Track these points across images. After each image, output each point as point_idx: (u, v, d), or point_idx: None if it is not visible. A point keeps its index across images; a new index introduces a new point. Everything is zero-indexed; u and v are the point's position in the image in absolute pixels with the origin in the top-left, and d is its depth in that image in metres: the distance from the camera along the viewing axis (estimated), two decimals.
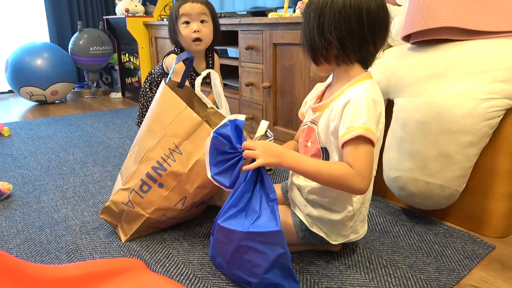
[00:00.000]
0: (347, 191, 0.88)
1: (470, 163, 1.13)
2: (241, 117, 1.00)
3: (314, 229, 1.00)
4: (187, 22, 1.44)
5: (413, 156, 1.17)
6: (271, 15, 1.95)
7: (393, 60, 1.28)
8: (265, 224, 0.86)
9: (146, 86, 1.68)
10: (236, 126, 0.98)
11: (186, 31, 1.44)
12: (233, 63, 2.25)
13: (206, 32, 1.46)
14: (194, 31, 1.44)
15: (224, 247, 0.94)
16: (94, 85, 3.70)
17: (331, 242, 1.00)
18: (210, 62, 1.58)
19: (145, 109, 1.67)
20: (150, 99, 1.65)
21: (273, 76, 1.95)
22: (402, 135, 1.20)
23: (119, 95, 3.62)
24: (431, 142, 1.13)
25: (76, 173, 1.73)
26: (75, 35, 3.46)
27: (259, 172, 0.93)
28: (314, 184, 0.95)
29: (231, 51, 2.34)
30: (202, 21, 1.45)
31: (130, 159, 1.20)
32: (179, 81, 1.28)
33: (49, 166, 1.82)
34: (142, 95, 1.70)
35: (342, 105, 0.84)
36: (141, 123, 1.63)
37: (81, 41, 3.42)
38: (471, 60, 1.11)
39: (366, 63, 0.92)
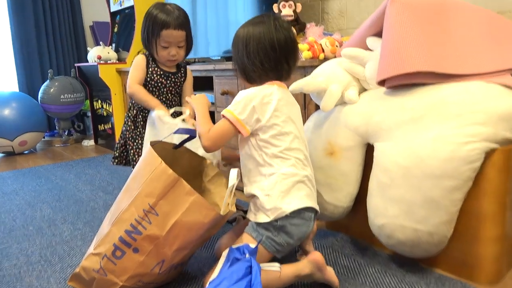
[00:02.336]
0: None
1: (456, 208, 1.10)
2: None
3: (251, 217, 1.13)
4: (165, 47, 1.44)
5: (399, 202, 1.14)
6: None
7: (370, 104, 1.27)
8: None
9: (129, 119, 1.57)
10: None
11: (163, 53, 1.46)
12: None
13: (182, 54, 1.50)
14: (171, 55, 1.46)
15: None
16: (65, 133, 3.59)
17: (266, 217, 1.08)
18: (182, 70, 1.58)
19: (123, 147, 1.58)
20: (134, 134, 1.55)
21: None
22: (385, 181, 1.17)
23: (91, 142, 3.52)
24: (416, 187, 1.11)
25: (43, 233, 1.61)
26: (45, 83, 3.39)
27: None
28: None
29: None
30: (179, 46, 1.47)
31: (106, 218, 1.12)
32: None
33: (14, 226, 1.69)
34: (123, 131, 1.59)
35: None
36: (115, 161, 1.56)
37: (52, 89, 3.34)
38: (447, 103, 1.12)
39: (281, 76, 1.17)
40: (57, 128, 3.57)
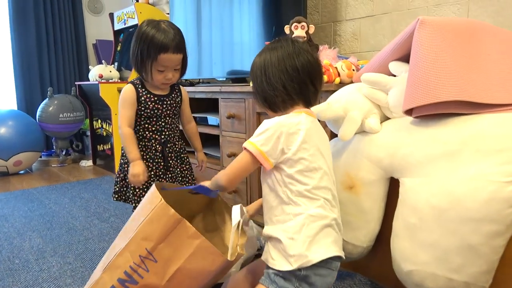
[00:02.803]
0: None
1: (497, 256, 0.97)
2: None
3: (269, 262, 0.97)
4: (161, 71, 1.32)
5: (431, 247, 1.00)
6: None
7: (395, 134, 1.15)
8: None
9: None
10: None
11: (159, 77, 1.33)
12: (214, 131, 2.10)
13: (177, 76, 1.38)
14: (167, 79, 1.34)
15: None
16: (63, 153, 3.47)
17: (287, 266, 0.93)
18: (176, 89, 1.46)
19: (123, 182, 1.42)
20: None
21: None
22: (414, 222, 1.04)
23: (89, 163, 3.39)
24: (451, 231, 0.97)
25: (29, 267, 1.46)
26: (44, 102, 3.29)
27: None
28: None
29: (211, 119, 2.21)
30: (175, 69, 1.36)
31: (101, 261, 0.98)
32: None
33: None
34: (122, 164, 1.45)
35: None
36: (115, 196, 1.42)
37: (51, 108, 3.24)
38: (485, 137, 0.99)
39: (308, 100, 1.06)
40: (54, 147, 3.46)
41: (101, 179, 2.86)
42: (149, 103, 1.36)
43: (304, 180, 0.98)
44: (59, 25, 3.63)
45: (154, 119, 1.39)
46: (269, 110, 1.09)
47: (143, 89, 1.37)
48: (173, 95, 1.43)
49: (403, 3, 1.75)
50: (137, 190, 1.37)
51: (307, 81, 1.03)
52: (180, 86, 1.50)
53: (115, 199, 1.41)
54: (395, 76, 1.25)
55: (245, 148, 0.99)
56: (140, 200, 1.37)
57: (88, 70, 3.70)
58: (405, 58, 1.25)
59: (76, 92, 3.38)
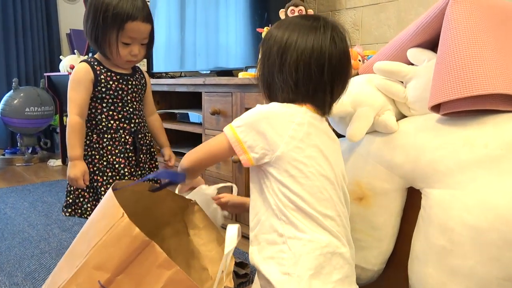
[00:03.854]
0: None
1: None
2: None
3: None
4: (127, 44, 1.10)
5: (464, 277, 0.80)
6: (242, 75, 1.63)
7: (417, 136, 0.94)
8: None
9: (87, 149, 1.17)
10: None
11: (124, 52, 1.11)
12: (195, 129, 1.87)
13: (143, 53, 1.16)
14: (133, 55, 1.12)
15: None
16: (29, 151, 3.16)
17: None
18: (138, 70, 1.24)
19: (78, 191, 1.16)
20: (97, 170, 1.16)
21: None
22: (444, 244, 0.84)
23: (58, 162, 3.10)
24: (492, 257, 0.77)
25: None
26: (8, 94, 2.99)
27: None
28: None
29: (194, 116, 1.98)
30: (142, 44, 1.14)
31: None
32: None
33: None
34: None
35: None
36: (68, 211, 1.16)
37: (16, 101, 2.94)
38: None
39: (318, 107, 0.84)
40: (19, 144, 3.14)
41: None
42: (110, 82, 1.13)
43: (298, 189, 0.76)
44: (29, 11, 3.31)
45: (120, 104, 1.15)
46: (267, 98, 0.89)
47: (101, 67, 1.13)
48: (136, 75, 1.21)
49: None
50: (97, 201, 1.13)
51: (326, 87, 0.82)
52: (142, 69, 1.27)
53: (67, 214, 1.14)
54: (414, 65, 1.06)
55: (223, 132, 0.82)
56: None
57: (59, 61, 3.41)
58: (426, 45, 1.05)
59: (45, 84, 3.08)
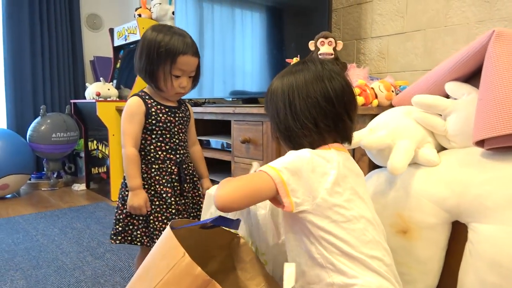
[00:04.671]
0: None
1: None
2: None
3: None
4: (178, 76, 1.16)
5: None
6: None
7: (462, 170, 0.95)
8: None
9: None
10: None
11: (174, 84, 1.17)
12: (223, 157, 1.90)
13: (189, 87, 1.22)
14: (182, 87, 1.18)
15: None
16: (54, 175, 3.22)
17: None
18: (183, 103, 1.29)
19: (128, 219, 1.18)
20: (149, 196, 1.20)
21: None
22: (495, 280, 0.83)
23: (82, 186, 3.15)
24: None
25: None
26: (36, 120, 3.07)
27: None
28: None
29: (216, 142, 2.01)
30: (190, 76, 1.20)
31: None
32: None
33: None
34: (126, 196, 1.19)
35: None
36: (118, 238, 1.18)
37: (43, 127, 3.02)
38: None
39: (344, 137, 0.87)
40: (45, 169, 3.21)
41: (95, 206, 2.62)
42: (160, 115, 1.18)
43: (342, 234, 0.75)
44: (55, 40, 3.44)
45: (168, 135, 1.20)
46: (292, 149, 0.86)
47: (152, 100, 1.19)
48: (182, 108, 1.27)
49: (438, 19, 1.59)
50: (156, 224, 1.16)
51: (344, 115, 0.84)
52: (186, 102, 1.33)
53: (117, 242, 1.17)
54: (451, 98, 1.07)
55: (262, 171, 0.77)
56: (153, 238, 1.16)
57: (84, 88, 3.51)
58: (464, 79, 1.07)
59: (71, 110, 3.16)
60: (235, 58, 2.12)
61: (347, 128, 0.86)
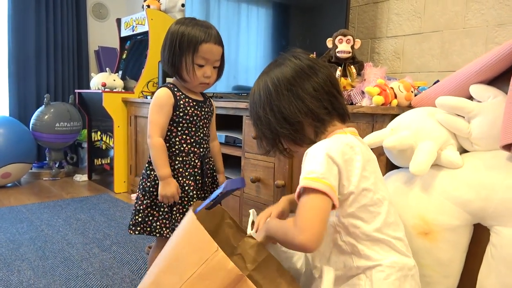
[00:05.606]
0: (295, 249, 0.77)
1: None
2: None
3: None
4: (201, 65, 1.15)
5: None
6: None
7: (487, 173, 0.95)
8: None
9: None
10: None
11: (198, 74, 1.16)
12: (233, 152, 1.88)
13: (214, 77, 1.21)
14: (206, 76, 1.17)
15: None
16: (56, 165, 3.19)
17: None
18: (207, 98, 1.29)
19: (148, 210, 1.18)
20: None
21: (289, 173, 1.59)
22: None
23: (84, 177, 3.12)
24: None
25: None
26: (39, 109, 3.04)
27: None
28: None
29: (220, 136, 2.00)
30: (214, 67, 1.19)
31: None
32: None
33: None
34: (149, 187, 1.18)
35: (304, 158, 0.80)
36: (137, 229, 1.17)
37: (46, 116, 2.99)
38: None
39: (344, 116, 0.87)
40: (47, 159, 3.18)
41: (98, 197, 2.60)
42: (188, 107, 1.18)
43: (370, 217, 0.78)
44: (60, 29, 3.40)
45: (194, 128, 1.20)
46: (294, 145, 0.87)
47: (180, 93, 1.18)
48: (207, 103, 1.26)
49: (457, 20, 1.58)
50: (178, 216, 1.15)
51: (334, 93, 0.84)
52: (210, 97, 1.32)
53: (136, 232, 1.16)
54: (475, 100, 1.06)
55: (308, 188, 0.72)
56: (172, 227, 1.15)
57: (88, 78, 3.48)
58: (488, 82, 1.06)
59: (75, 100, 3.13)
60: (249, 53, 2.10)
61: (341, 103, 0.86)
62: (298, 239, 0.70)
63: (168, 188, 1.12)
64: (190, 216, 0.77)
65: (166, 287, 0.71)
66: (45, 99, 3.04)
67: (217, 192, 0.88)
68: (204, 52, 1.13)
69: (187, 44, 1.11)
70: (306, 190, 0.73)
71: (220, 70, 1.21)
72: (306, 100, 0.81)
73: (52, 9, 3.33)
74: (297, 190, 0.75)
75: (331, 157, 0.75)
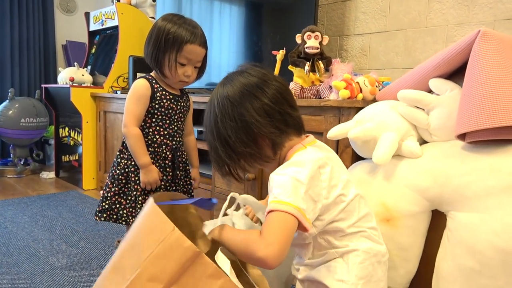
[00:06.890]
0: (253, 262, 0.75)
1: None
2: None
3: None
4: (183, 65, 1.18)
5: None
6: None
7: (444, 161, 1.00)
8: None
9: (129, 160, 1.20)
10: None
11: (179, 72, 1.19)
12: (205, 146, 1.88)
13: (194, 76, 1.24)
14: (186, 75, 1.20)
15: None
16: (21, 162, 3.09)
17: None
18: (185, 93, 1.31)
19: (116, 197, 1.19)
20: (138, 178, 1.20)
21: None
22: (473, 265, 0.89)
23: (51, 174, 3.04)
24: None
25: None
26: (3, 104, 2.93)
27: None
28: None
29: (194, 131, 2.00)
30: (195, 67, 1.22)
31: None
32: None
33: None
34: (118, 174, 1.21)
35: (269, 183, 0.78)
36: (104, 216, 1.17)
37: (11, 111, 2.89)
38: None
39: (299, 129, 0.85)
40: (12, 156, 3.07)
41: (65, 194, 2.54)
42: (164, 100, 1.20)
43: (346, 216, 0.82)
44: (26, 23, 3.28)
45: (168, 121, 1.22)
46: (261, 165, 0.86)
47: (158, 85, 1.21)
48: (184, 98, 1.29)
49: (420, 20, 1.65)
50: (143, 205, 1.15)
51: (287, 109, 0.81)
52: (187, 93, 1.34)
53: (102, 219, 1.18)
54: (434, 94, 1.12)
55: (276, 210, 0.71)
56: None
57: (55, 73, 3.38)
58: (447, 76, 1.12)
59: (42, 95, 3.04)
60: (221, 50, 2.11)
61: (296, 117, 0.84)
62: (263, 252, 0.68)
63: (150, 175, 1.15)
64: (149, 202, 0.78)
65: (125, 270, 0.71)
66: (9, 93, 2.93)
67: (186, 201, 0.88)
68: (188, 52, 1.15)
69: (172, 42, 1.13)
70: (276, 211, 0.72)
71: (201, 70, 1.24)
72: (254, 126, 0.78)
73: (17, 1, 3.21)
74: (265, 213, 0.74)
75: (297, 180, 0.74)
